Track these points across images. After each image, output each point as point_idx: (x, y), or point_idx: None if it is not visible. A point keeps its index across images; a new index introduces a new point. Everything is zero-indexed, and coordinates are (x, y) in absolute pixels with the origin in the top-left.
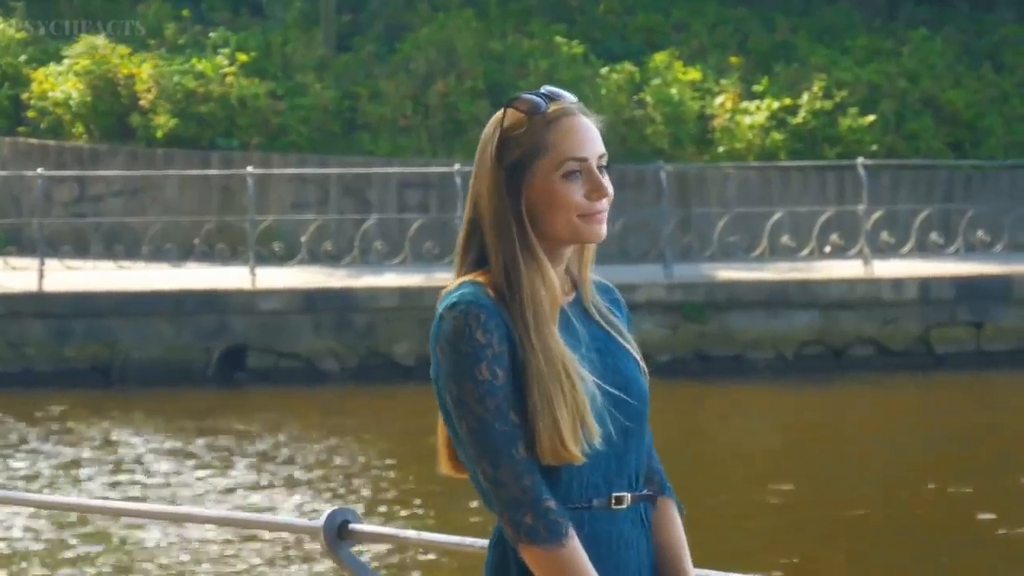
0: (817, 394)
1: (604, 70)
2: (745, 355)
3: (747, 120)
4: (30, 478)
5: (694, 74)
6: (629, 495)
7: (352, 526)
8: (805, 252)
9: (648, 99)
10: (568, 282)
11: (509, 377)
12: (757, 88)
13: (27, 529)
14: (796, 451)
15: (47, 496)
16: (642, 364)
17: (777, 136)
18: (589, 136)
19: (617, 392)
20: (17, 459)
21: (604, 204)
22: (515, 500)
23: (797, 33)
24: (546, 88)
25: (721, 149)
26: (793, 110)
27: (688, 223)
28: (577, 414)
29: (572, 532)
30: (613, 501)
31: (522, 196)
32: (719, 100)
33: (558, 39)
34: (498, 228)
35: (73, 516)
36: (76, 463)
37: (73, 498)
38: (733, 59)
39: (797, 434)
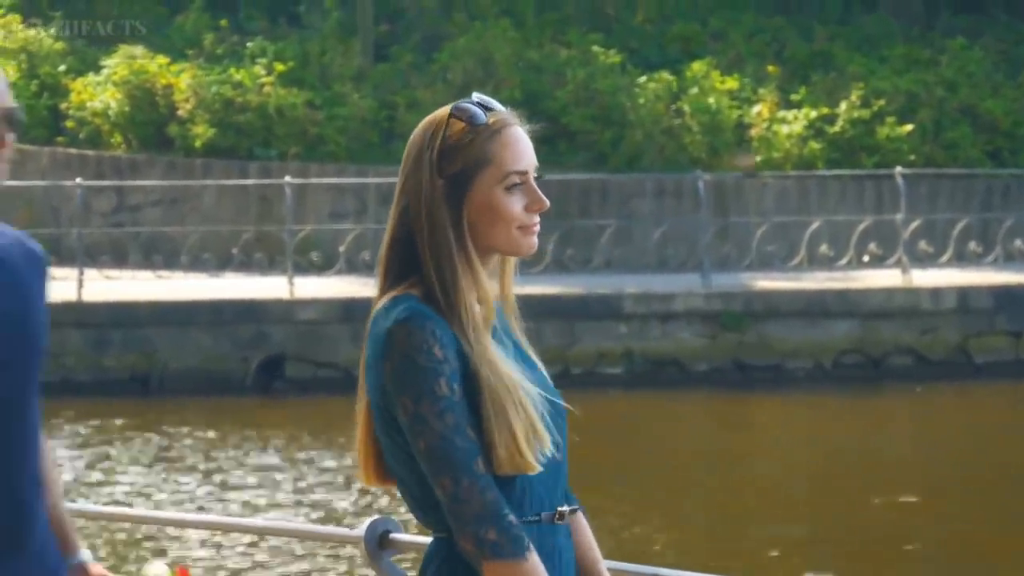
0: (856, 403)
1: (641, 79)
2: (783, 364)
3: (785, 129)
4: (68, 489)
5: (732, 83)
6: (568, 508)
7: (393, 536)
8: (843, 261)
9: (686, 108)
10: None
11: (462, 392)
12: (795, 97)
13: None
14: (833, 460)
15: (88, 505)
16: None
17: (815, 145)
18: (527, 148)
19: (556, 401)
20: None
21: (538, 216)
22: (478, 516)
23: (835, 42)
24: (477, 96)
25: (759, 158)
26: (831, 119)
27: (726, 232)
28: (528, 423)
29: (531, 545)
30: (557, 516)
31: (463, 207)
32: (756, 109)
33: (595, 48)
34: (435, 240)
35: (114, 525)
36: (112, 472)
37: (114, 508)
38: (771, 68)
39: (835, 443)
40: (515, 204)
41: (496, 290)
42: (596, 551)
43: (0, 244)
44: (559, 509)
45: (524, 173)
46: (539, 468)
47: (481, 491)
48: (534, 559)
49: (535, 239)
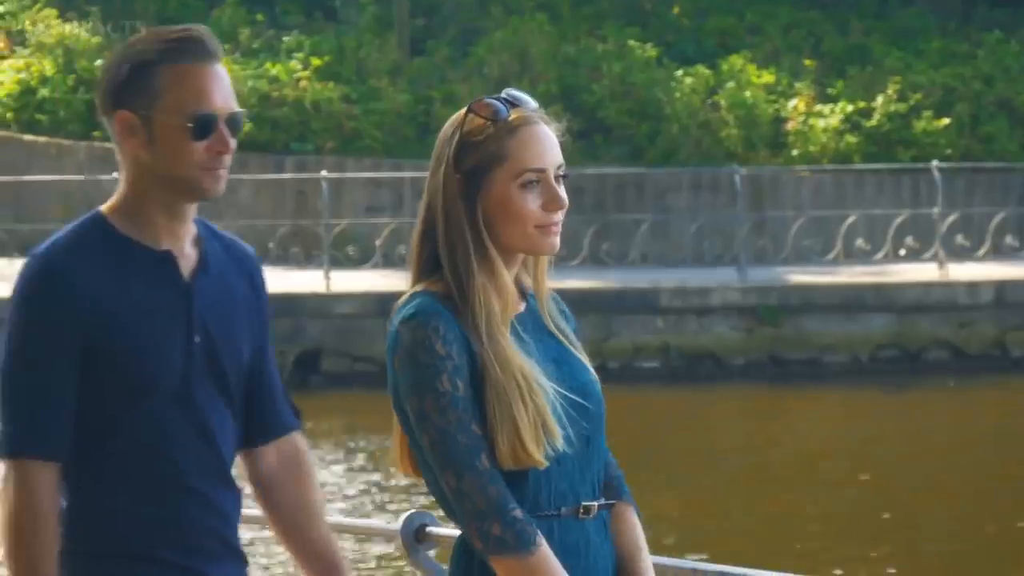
0: (892, 397)
1: (678, 73)
2: (820, 358)
3: (821, 123)
4: None
5: (768, 77)
6: (596, 504)
7: (430, 529)
8: (880, 255)
9: (722, 102)
10: (517, 291)
11: (469, 388)
12: (831, 91)
13: None
14: (870, 454)
15: None
16: (594, 374)
17: (851, 139)
18: (548, 146)
19: (578, 399)
20: None
21: (560, 216)
22: (480, 511)
23: (871, 36)
24: (507, 92)
25: (795, 152)
26: (867, 113)
27: (762, 226)
28: (538, 417)
29: (541, 539)
30: (581, 510)
31: (478, 203)
32: (793, 103)
33: (631, 42)
34: (451, 234)
35: None
36: None
37: None
38: (807, 62)
39: (872, 437)
40: (530, 202)
41: (530, 285)
42: (637, 548)
43: (210, 246)
44: (584, 503)
45: (541, 171)
46: (545, 463)
47: (483, 486)
48: (542, 554)
49: (555, 239)
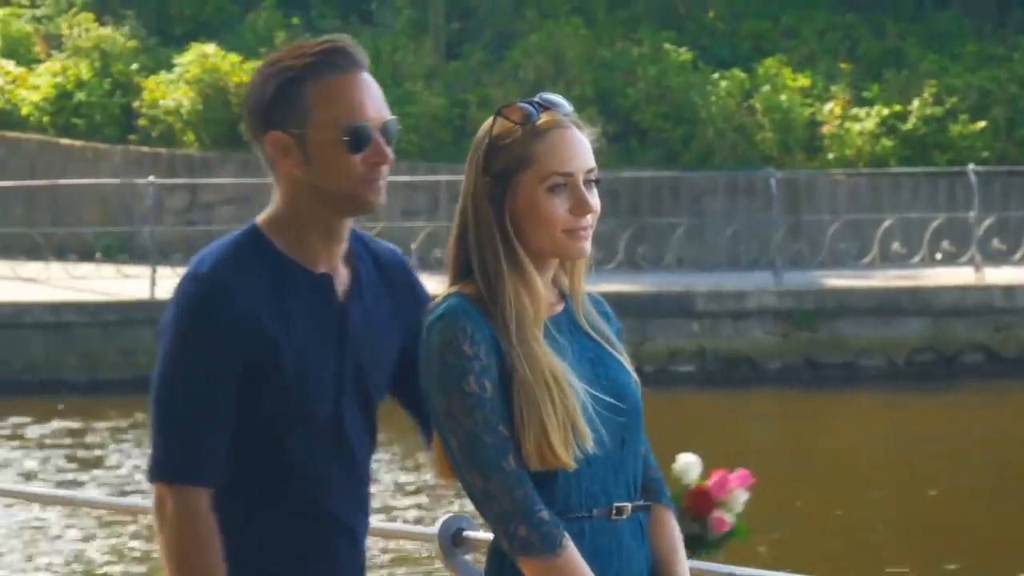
0: (928, 401)
1: (713, 77)
2: (856, 362)
3: (857, 127)
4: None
5: (803, 80)
6: (629, 505)
7: (467, 533)
8: (916, 259)
9: (757, 106)
10: (555, 294)
11: (498, 389)
12: (867, 94)
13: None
14: (906, 459)
15: None
16: (634, 375)
17: (887, 143)
18: (578, 150)
19: (612, 400)
20: (131, 464)
21: (588, 220)
22: (507, 513)
23: (907, 39)
24: (541, 96)
25: (831, 155)
26: (903, 116)
27: (798, 230)
28: (567, 419)
29: (568, 541)
30: (614, 511)
31: (506, 206)
32: (829, 106)
33: (667, 46)
34: (481, 237)
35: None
36: None
37: None
38: (843, 65)
39: (908, 441)
40: (557, 206)
41: (553, 290)
42: (673, 551)
43: (362, 263)
44: (616, 505)
45: (569, 175)
46: (573, 465)
47: (509, 488)
48: (569, 555)
49: (585, 244)
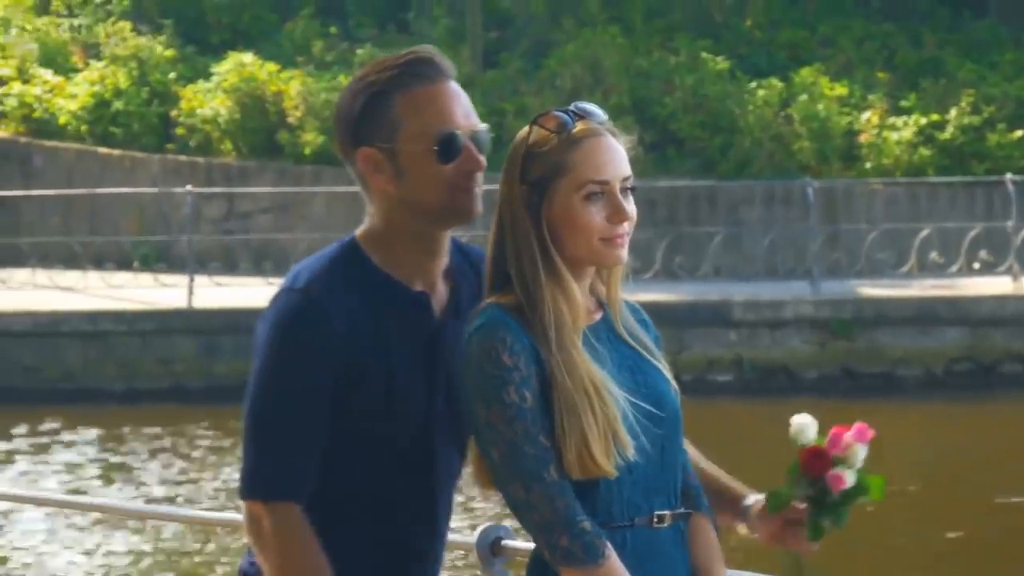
0: (966, 411)
1: (750, 86)
2: (894, 372)
3: (894, 136)
4: (184, 494)
5: (841, 90)
6: (669, 513)
7: (505, 542)
8: (953, 268)
9: (795, 115)
10: (593, 301)
11: (538, 399)
12: (904, 104)
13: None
14: (944, 468)
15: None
16: (673, 383)
17: (925, 152)
18: (614, 158)
19: (651, 408)
20: (169, 472)
21: (625, 228)
22: (548, 523)
23: (944, 49)
24: (576, 105)
25: (868, 165)
26: (941, 126)
27: (836, 239)
28: (608, 427)
29: (610, 551)
30: (655, 519)
31: (542, 214)
32: (866, 116)
33: (704, 55)
34: (518, 245)
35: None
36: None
37: (219, 514)
38: (880, 75)
39: (946, 450)
40: (594, 215)
41: (591, 298)
42: (711, 560)
43: (463, 279)
44: (657, 513)
45: (604, 183)
46: (614, 473)
47: (550, 498)
48: (610, 565)
49: (622, 252)
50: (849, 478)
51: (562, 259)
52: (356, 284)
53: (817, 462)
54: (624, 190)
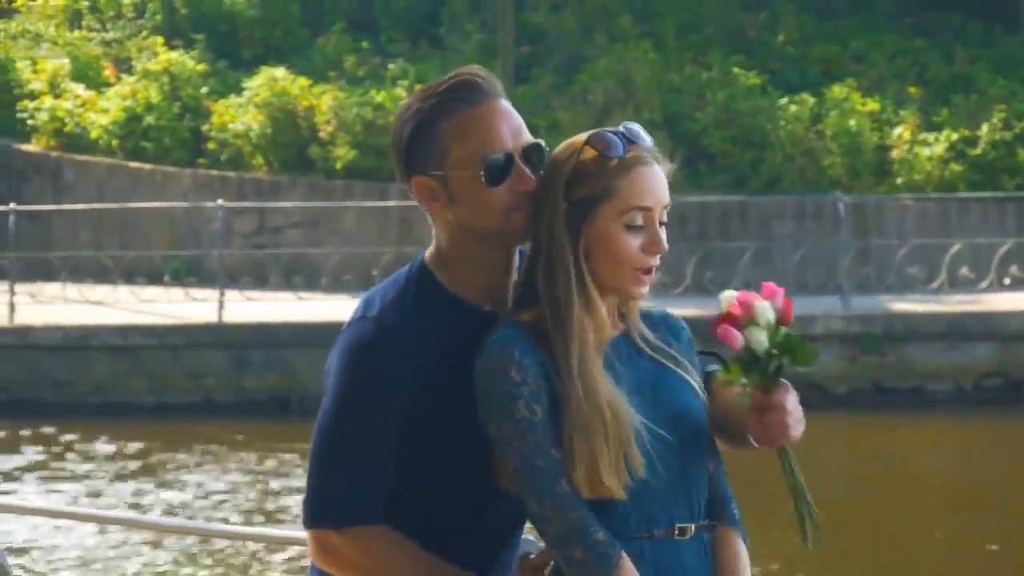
0: (996, 426)
1: (782, 101)
2: (924, 387)
3: (926, 151)
4: (210, 506)
5: (872, 105)
6: (692, 525)
7: (533, 556)
8: (984, 284)
9: (826, 130)
10: (617, 315)
11: (549, 414)
12: (936, 119)
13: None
14: (975, 483)
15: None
16: (698, 390)
17: (956, 167)
18: (657, 185)
19: (671, 421)
20: (191, 487)
21: (656, 261)
22: (562, 536)
23: (976, 64)
24: (626, 127)
25: (899, 180)
26: (972, 141)
27: (866, 254)
28: (620, 448)
29: (624, 560)
30: (676, 532)
31: (581, 233)
32: (897, 131)
33: (736, 70)
34: (553, 263)
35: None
36: (268, 493)
37: (242, 528)
38: (912, 90)
39: (977, 466)
40: (632, 243)
41: (615, 312)
42: (737, 571)
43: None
44: (678, 525)
45: (648, 210)
46: (623, 495)
47: (564, 511)
48: (624, 573)
49: (645, 289)
50: (758, 335)
51: (592, 280)
52: (428, 308)
53: (727, 324)
54: (661, 222)
